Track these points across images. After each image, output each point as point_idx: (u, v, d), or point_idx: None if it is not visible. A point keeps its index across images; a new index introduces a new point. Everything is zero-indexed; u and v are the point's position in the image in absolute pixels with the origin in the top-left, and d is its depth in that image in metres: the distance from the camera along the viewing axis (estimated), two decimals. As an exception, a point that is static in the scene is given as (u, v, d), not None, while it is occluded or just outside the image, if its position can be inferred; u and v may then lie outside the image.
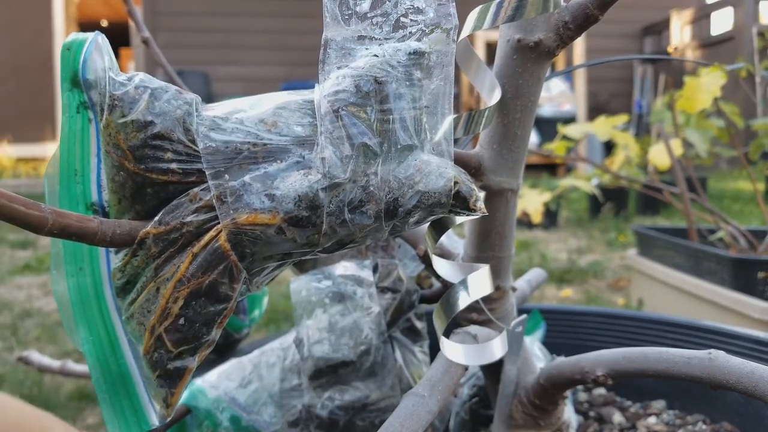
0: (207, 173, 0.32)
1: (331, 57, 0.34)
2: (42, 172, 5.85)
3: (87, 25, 8.48)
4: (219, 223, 0.32)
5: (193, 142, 0.32)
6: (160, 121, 0.32)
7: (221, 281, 0.32)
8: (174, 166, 0.32)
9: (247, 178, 0.32)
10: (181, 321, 0.32)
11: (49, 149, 6.14)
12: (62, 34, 6.35)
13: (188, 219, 0.32)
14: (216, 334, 0.34)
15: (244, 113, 0.33)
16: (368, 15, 0.34)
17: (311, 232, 0.32)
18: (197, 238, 0.32)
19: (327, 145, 0.32)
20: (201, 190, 0.32)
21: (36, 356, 0.91)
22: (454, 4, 0.35)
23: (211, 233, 0.32)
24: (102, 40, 0.33)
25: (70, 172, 0.34)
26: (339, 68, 0.34)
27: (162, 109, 0.32)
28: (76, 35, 0.33)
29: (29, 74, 6.21)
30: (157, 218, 0.32)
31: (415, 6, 0.34)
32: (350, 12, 0.34)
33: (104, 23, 9.46)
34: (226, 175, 0.32)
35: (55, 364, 0.90)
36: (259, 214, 0.31)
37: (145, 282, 0.33)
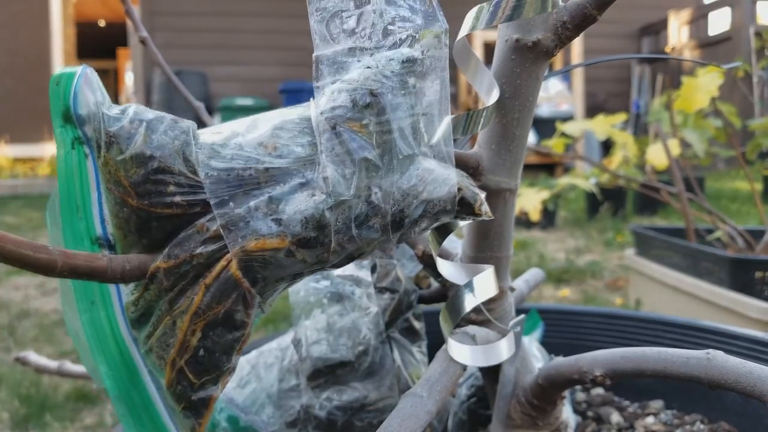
0: (211, 203, 0.31)
1: (324, 73, 0.33)
2: (39, 172, 5.84)
3: (84, 24, 8.46)
4: (228, 252, 0.31)
5: (194, 172, 0.32)
6: (160, 155, 0.31)
7: (236, 309, 0.32)
8: (177, 199, 0.31)
9: (252, 204, 0.31)
10: (201, 352, 0.32)
11: (46, 149, 6.13)
12: (60, 33, 6.34)
13: (198, 251, 0.31)
14: (236, 360, 0.34)
15: (242, 137, 0.33)
16: (356, 30, 0.34)
17: (320, 251, 0.32)
18: (208, 269, 0.31)
19: (328, 164, 0.32)
20: (207, 220, 0.31)
21: (33, 357, 0.91)
22: (440, 9, 0.35)
23: (222, 263, 0.31)
24: (91, 73, 0.33)
25: (72, 208, 0.33)
26: (333, 83, 0.33)
27: (160, 142, 0.32)
28: (63, 69, 0.32)
29: (26, 74, 6.20)
30: (165, 251, 0.32)
31: (401, 15, 0.34)
32: (338, 30, 0.34)
33: (102, 23, 9.43)
34: (231, 203, 0.31)
35: (52, 364, 0.89)
36: (267, 239, 0.31)
37: (161, 315, 0.32)
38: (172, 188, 0.31)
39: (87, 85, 0.32)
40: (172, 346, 0.32)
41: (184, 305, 0.32)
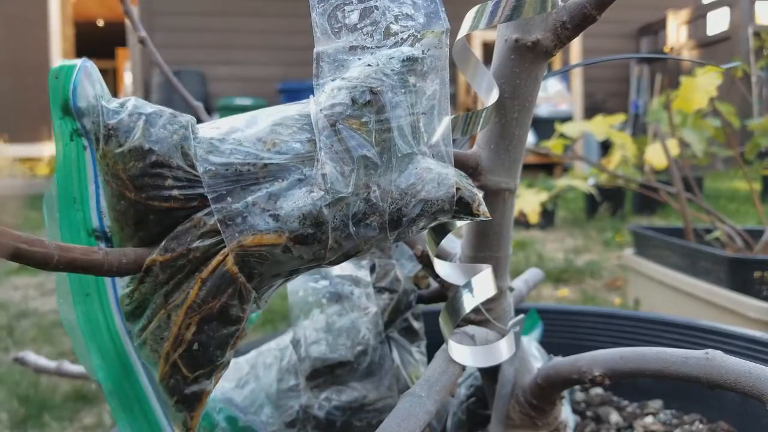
0: (209, 197, 0.31)
1: (325, 70, 0.33)
2: (39, 172, 5.84)
3: (83, 24, 8.45)
4: (225, 246, 0.31)
5: (193, 166, 0.32)
6: (158, 149, 0.31)
7: (232, 304, 0.32)
8: (175, 192, 0.31)
9: (249, 199, 0.31)
10: (195, 346, 0.32)
11: (45, 149, 6.12)
12: (59, 33, 6.34)
13: (194, 245, 0.31)
14: (230, 355, 0.34)
15: (240, 133, 0.33)
16: (358, 26, 0.34)
17: (317, 247, 0.32)
18: (204, 263, 0.32)
19: (327, 161, 0.32)
20: (205, 214, 0.32)
21: (32, 357, 0.91)
22: (443, 8, 0.35)
23: (218, 257, 0.31)
24: (91, 66, 0.33)
25: (69, 199, 0.33)
26: (333, 80, 0.33)
27: (159, 136, 0.32)
28: (63, 62, 0.32)
29: (25, 74, 6.19)
30: (162, 245, 0.32)
31: (404, 12, 0.34)
32: (340, 25, 0.34)
33: (100, 23, 9.42)
34: (229, 198, 0.31)
35: (51, 364, 0.89)
36: (264, 235, 0.31)
37: (156, 308, 0.32)
38: (170, 182, 0.31)
39: (87, 78, 0.32)
40: (167, 339, 0.32)
41: (179, 299, 0.32)
